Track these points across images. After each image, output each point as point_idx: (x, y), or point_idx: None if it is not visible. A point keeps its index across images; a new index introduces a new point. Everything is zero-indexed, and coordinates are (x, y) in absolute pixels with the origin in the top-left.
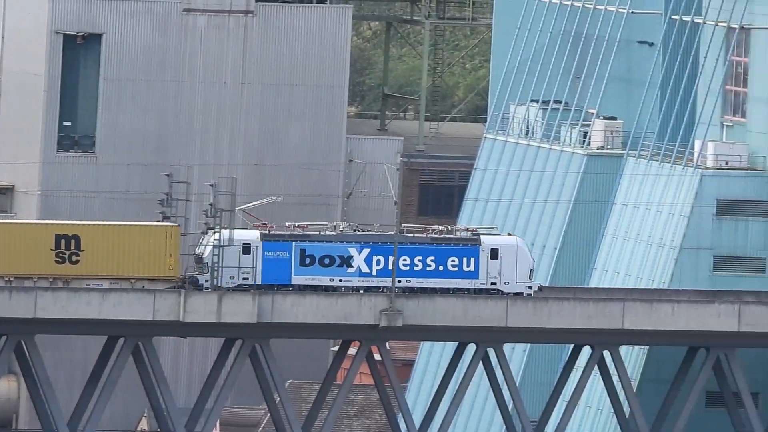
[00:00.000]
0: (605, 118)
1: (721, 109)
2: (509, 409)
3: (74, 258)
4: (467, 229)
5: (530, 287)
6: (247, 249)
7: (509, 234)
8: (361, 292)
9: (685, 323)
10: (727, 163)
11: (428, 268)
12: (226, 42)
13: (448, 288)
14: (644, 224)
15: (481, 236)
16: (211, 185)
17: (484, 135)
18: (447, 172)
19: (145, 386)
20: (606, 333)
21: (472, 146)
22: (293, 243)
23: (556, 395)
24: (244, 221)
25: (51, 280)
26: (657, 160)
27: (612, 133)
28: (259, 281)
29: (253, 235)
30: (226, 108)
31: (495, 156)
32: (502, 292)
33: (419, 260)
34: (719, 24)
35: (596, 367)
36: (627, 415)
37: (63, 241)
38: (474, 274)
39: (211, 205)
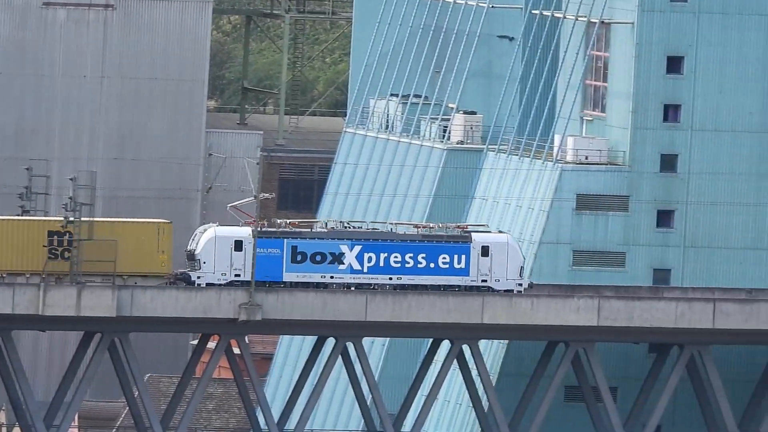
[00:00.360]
0: (465, 112)
1: (581, 103)
2: (368, 403)
3: (67, 254)
4: (458, 227)
5: (521, 284)
6: (239, 246)
7: (500, 231)
8: (353, 288)
9: (544, 318)
10: (586, 158)
11: (419, 266)
12: (86, 36)
13: (439, 285)
14: (504, 219)
15: (472, 233)
16: (71, 179)
17: (344, 129)
18: (307, 166)
19: (4, 379)
20: (465, 327)
21: (331, 140)
22: (285, 240)
23: (415, 389)
24: (235, 218)
25: (44, 276)
26: (517, 155)
27: (472, 128)
28: (250, 278)
29: (245, 232)
30: (86, 102)
31: (355, 150)
32: (493, 289)
33: (410, 257)
34: (579, 18)
35: (455, 361)
36: (486, 409)
37: (56, 238)
38: (465, 272)
39: (70, 198)
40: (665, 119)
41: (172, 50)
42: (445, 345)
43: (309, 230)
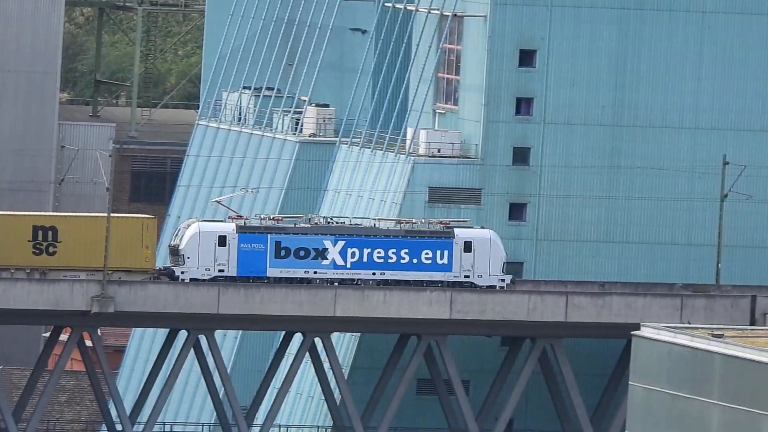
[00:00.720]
0: (318, 105)
1: (434, 96)
2: (220, 396)
3: (51, 249)
4: (440, 222)
5: (503, 280)
6: (222, 241)
7: (482, 227)
8: (336, 284)
9: (397, 310)
10: (439, 151)
11: (402, 261)
12: None
13: (422, 281)
14: (356, 211)
15: (455, 229)
16: None
17: (197, 122)
18: (159, 158)
19: None
20: (317, 320)
21: (184, 133)
22: (269, 235)
23: (267, 382)
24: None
25: (28, 271)
26: (369, 148)
27: (324, 121)
28: (234, 273)
29: (228, 228)
30: None
31: (207, 142)
32: (476, 285)
33: (393, 253)
34: (432, 11)
35: (308, 354)
36: (338, 402)
37: (40, 233)
38: (448, 267)
39: None
40: (517, 112)
41: (24, 42)
42: (298, 338)
43: (293, 225)
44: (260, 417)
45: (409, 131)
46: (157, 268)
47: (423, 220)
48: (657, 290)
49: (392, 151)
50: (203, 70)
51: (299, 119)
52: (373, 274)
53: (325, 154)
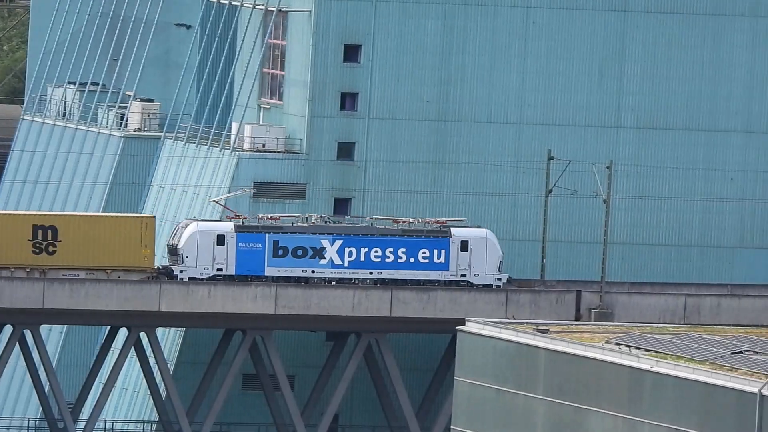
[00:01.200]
0: (142, 100)
1: (258, 92)
2: (45, 391)
3: (51, 249)
4: (437, 221)
5: (499, 279)
6: (221, 240)
7: (478, 227)
8: (333, 283)
9: (222, 306)
10: (264, 146)
11: (399, 260)
12: None
13: (419, 280)
14: (182, 206)
15: (452, 228)
16: None
17: (22, 117)
18: None
19: None
20: (142, 315)
21: (9, 128)
22: (267, 234)
23: (93, 377)
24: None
25: (28, 270)
26: (194, 143)
27: (149, 116)
28: (233, 272)
29: (227, 227)
30: None
31: (32, 138)
32: (472, 283)
33: (390, 252)
34: (257, 7)
35: (133, 349)
36: (163, 397)
37: (40, 232)
38: (444, 266)
39: None
40: (342, 107)
41: None
42: (123, 332)
43: (291, 225)
44: (86, 412)
45: (234, 126)
46: (156, 266)
47: (420, 220)
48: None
49: (217, 146)
50: (28, 65)
51: (124, 114)
52: (371, 273)
53: (150, 149)
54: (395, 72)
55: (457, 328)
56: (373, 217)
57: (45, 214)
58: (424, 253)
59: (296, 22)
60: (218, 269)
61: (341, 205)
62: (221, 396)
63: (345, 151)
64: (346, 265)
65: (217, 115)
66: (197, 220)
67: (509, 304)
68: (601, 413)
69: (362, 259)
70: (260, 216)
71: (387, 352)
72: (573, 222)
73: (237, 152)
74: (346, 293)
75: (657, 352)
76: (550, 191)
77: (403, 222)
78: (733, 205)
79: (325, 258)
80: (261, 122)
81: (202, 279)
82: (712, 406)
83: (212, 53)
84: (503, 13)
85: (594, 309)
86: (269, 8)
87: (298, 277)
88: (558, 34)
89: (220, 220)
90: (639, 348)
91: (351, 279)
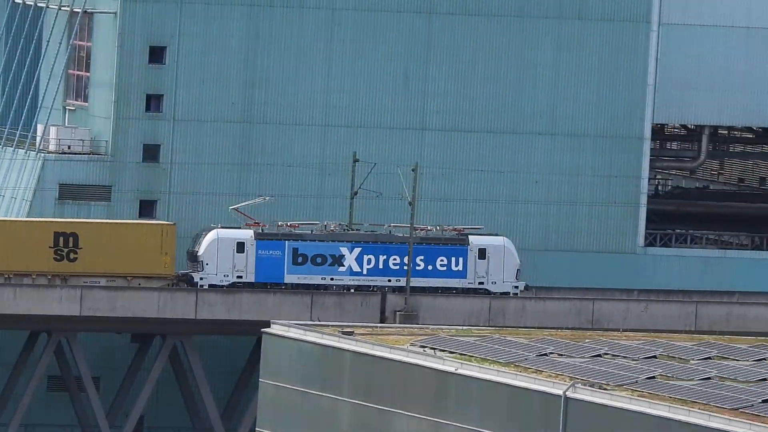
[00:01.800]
0: None
1: (64, 93)
2: None
3: (72, 256)
4: (454, 229)
5: (517, 286)
6: (241, 247)
7: (496, 234)
8: (352, 290)
9: (27, 307)
10: (69, 148)
11: (417, 268)
12: None
13: (437, 287)
14: None
15: (469, 236)
16: None
17: None
18: None
19: None
20: None
21: None
22: (286, 242)
23: None
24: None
25: (50, 277)
26: None
27: None
28: (252, 280)
29: (247, 234)
30: None
31: None
32: (490, 291)
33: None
34: (62, 8)
35: None
36: None
37: (62, 239)
38: (462, 274)
39: None
40: (147, 109)
41: None
42: None
43: (310, 232)
44: None
45: (39, 128)
46: (176, 273)
47: (438, 227)
48: (288, 289)
49: (22, 148)
50: None
51: None
52: (389, 280)
53: None
54: (200, 74)
55: (262, 330)
56: (392, 225)
57: (66, 221)
58: (441, 260)
59: (101, 23)
60: (238, 276)
61: (146, 208)
62: (26, 398)
63: (150, 153)
64: (364, 272)
65: (23, 117)
66: (218, 228)
67: (314, 306)
68: (406, 415)
69: (381, 266)
70: (279, 223)
71: (192, 354)
72: (379, 223)
73: (42, 154)
74: (151, 295)
75: (462, 354)
76: (356, 193)
77: (422, 230)
78: (538, 207)
79: (344, 265)
80: (66, 124)
81: (223, 286)
82: (517, 408)
83: (17, 55)
84: (308, 15)
85: (399, 311)
86: (75, 9)
87: (317, 285)
88: (363, 36)
89: (240, 228)
90: (444, 350)
91: (370, 286)
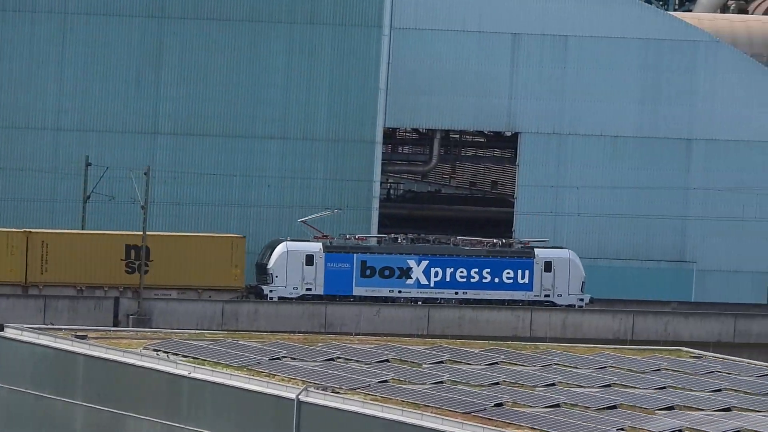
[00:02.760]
0: None
1: None
2: None
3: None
4: (520, 242)
5: (582, 299)
6: (310, 260)
7: (561, 247)
8: (419, 303)
9: None
10: None
11: (484, 281)
12: None
13: (504, 300)
14: None
15: (535, 249)
16: None
17: None
18: None
19: None
20: None
21: None
22: (354, 255)
23: None
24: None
25: (121, 290)
26: None
27: None
28: (321, 292)
29: (316, 247)
30: None
31: None
32: (556, 304)
33: (475, 272)
34: None
35: None
36: None
37: (133, 252)
38: (528, 287)
39: None
40: None
41: None
42: None
43: (378, 245)
44: None
45: None
46: (246, 286)
47: (504, 241)
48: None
49: None
50: None
51: None
52: (456, 293)
53: None
54: None
55: None
56: (458, 237)
57: (138, 234)
58: (508, 273)
59: None
60: (307, 289)
61: None
62: None
63: None
64: (431, 285)
65: None
66: (287, 240)
67: (48, 309)
68: (140, 419)
69: (448, 279)
70: (347, 236)
71: None
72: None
73: None
74: None
75: (195, 358)
76: (88, 197)
77: (487, 243)
78: (270, 211)
79: (411, 278)
80: None
81: (292, 298)
82: (251, 411)
83: None
84: (40, 19)
85: (132, 315)
86: None
87: (386, 297)
88: (95, 40)
89: (309, 240)
90: (177, 354)
91: (437, 299)
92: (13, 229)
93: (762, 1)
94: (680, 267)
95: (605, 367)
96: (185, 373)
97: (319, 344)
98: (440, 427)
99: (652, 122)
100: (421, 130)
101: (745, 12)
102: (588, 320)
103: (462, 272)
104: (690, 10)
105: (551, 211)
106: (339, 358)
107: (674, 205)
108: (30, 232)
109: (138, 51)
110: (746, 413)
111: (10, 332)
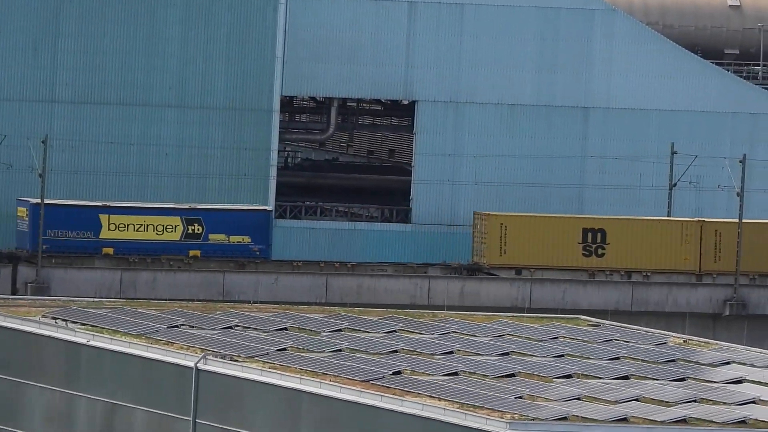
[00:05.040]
0: None
1: None
2: None
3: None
4: None
5: None
6: None
7: None
8: None
9: None
10: None
11: None
12: None
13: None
14: None
15: None
16: None
17: None
18: None
19: None
20: None
21: None
22: None
23: None
24: None
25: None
26: None
27: None
28: None
29: None
30: None
31: None
32: None
33: None
34: None
35: None
36: None
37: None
38: None
39: None
40: None
41: None
42: None
43: None
44: None
45: None
46: None
47: None
48: None
49: None
50: None
51: None
52: None
53: None
54: None
55: None
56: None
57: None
58: None
59: None
60: None
61: None
62: None
63: None
64: None
65: None
66: None
67: None
68: (39, 387)
69: None
70: None
71: None
72: (8, 197)
73: None
74: None
75: (94, 326)
76: None
77: None
78: (169, 180)
79: None
80: None
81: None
82: (150, 379)
83: None
84: None
85: (30, 283)
86: None
87: None
88: None
89: None
90: (76, 322)
91: None
92: None
93: None
94: None
95: (503, 335)
96: (84, 341)
97: (218, 312)
98: (339, 395)
99: (550, 90)
100: (318, 98)
101: None
102: (486, 288)
103: None
104: None
105: (449, 180)
106: (237, 326)
107: (571, 173)
108: None
109: (35, 19)
110: (643, 381)
111: None
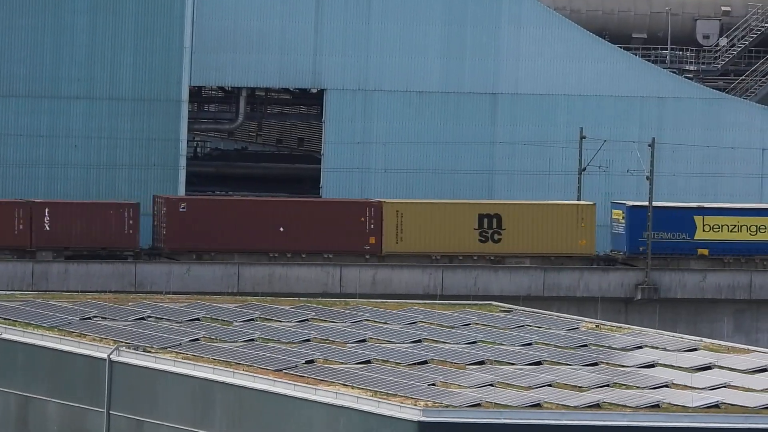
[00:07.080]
0: None
1: None
2: None
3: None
4: None
5: None
6: None
7: None
8: None
9: None
10: None
11: None
12: None
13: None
14: None
15: None
16: None
17: None
18: None
19: None
20: None
21: None
22: None
23: None
24: None
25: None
26: None
27: None
28: None
29: None
30: None
31: None
32: None
33: None
34: None
35: None
36: None
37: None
38: None
39: None
40: None
41: None
42: None
43: None
44: None
45: None
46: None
47: None
48: None
49: None
50: None
51: None
52: None
53: None
54: None
55: None
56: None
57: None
58: None
59: None
60: None
61: None
62: None
63: None
64: None
65: None
66: None
67: None
68: None
69: None
70: None
71: None
72: None
73: None
74: None
75: (6, 318)
76: None
77: None
78: (78, 171)
79: None
80: None
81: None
82: (63, 372)
83: None
84: None
85: None
86: None
87: None
88: None
89: None
90: None
91: None
92: None
93: None
94: None
95: (416, 322)
96: None
97: (130, 303)
98: (252, 385)
99: (458, 77)
100: (226, 88)
101: None
102: (398, 275)
103: None
104: None
105: (358, 167)
106: (150, 317)
107: (480, 160)
108: None
109: None
110: (556, 366)
111: None
